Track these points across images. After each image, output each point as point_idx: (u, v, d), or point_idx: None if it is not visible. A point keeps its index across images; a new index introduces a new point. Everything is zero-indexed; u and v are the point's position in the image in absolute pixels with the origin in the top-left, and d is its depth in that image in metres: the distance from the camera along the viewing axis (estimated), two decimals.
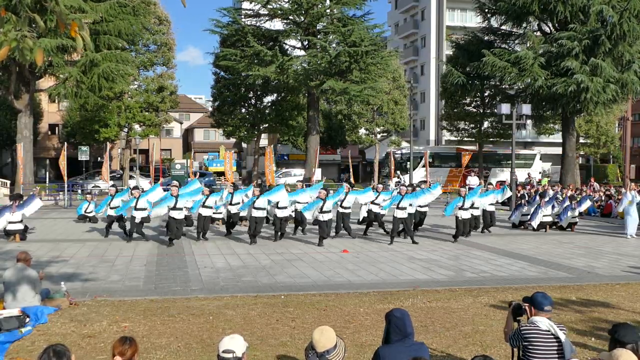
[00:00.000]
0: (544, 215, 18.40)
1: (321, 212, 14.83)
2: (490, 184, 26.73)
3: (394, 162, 33.29)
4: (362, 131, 49.57)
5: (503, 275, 11.20)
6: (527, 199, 20.40)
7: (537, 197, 19.09)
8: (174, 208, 14.40)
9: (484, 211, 17.23)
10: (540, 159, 43.40)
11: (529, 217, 18.83)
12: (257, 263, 12.18)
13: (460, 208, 15.59)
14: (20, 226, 15.22)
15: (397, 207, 15.11)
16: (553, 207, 18.79)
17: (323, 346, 3.90)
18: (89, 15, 22.48)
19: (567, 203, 18.85)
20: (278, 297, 9.05)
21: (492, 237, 16.61)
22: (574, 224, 18.97)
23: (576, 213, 18.81)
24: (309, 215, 15.40)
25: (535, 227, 18.27)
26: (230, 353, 3.71)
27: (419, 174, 35.60)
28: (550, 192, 19.79)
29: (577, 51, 29.34)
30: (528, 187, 26.35)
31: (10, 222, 15.09)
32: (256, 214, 14.94)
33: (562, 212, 18.60)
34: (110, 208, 15.92)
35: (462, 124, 40.94)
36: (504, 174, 37.63)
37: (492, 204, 17.62)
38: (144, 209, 14.95)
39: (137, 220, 14.90)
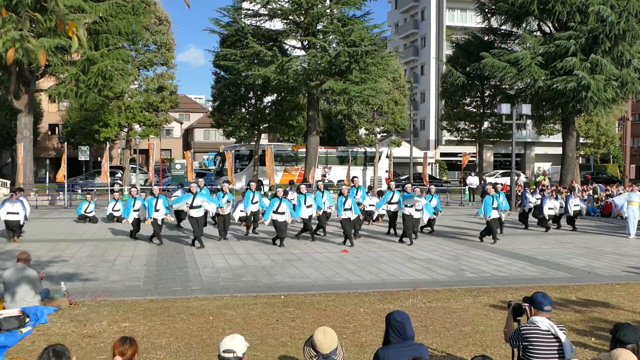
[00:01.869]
0: (549, 208, 18.43)
1: (345, 209, 14.84)
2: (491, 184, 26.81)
3: (228, 160, 31.81)
4: (362, 131, 49.54)
5: (503, 275, 11.20)
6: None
7: (538, 192, 19.61)
8: (192, 207, 14.41)
9: None
10: (387, 157, 41.95)
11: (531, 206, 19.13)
12: (257, 263, 12.18)
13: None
14: (19, 217, 15.12)
15: (407, 206, 15.12)
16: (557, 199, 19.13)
17: (329, 347, 3.89)
18: (89, 15, 22.51)
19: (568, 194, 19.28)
20: (278, 297, 9.05)
21: (492, 237, 16.59)
22: (577, 216, 19.12)
23: (577, 201, 18.99)
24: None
25: (546, 216, 18.40)
26: (231, 353, 3.71)
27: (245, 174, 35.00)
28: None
29: (574, 50, 29.35)
30: (528, 189, 26.39)
31: (9, 212, 15.07)
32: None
33: (565, 203, 18.89)
34: (134, 210, 15.82)
35: (462, 124, 40.94)
36: (344, 172, 36.89)
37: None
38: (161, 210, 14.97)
39: (159, 222, 14.85)
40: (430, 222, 17.57)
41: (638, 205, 17.19)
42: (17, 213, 15.08)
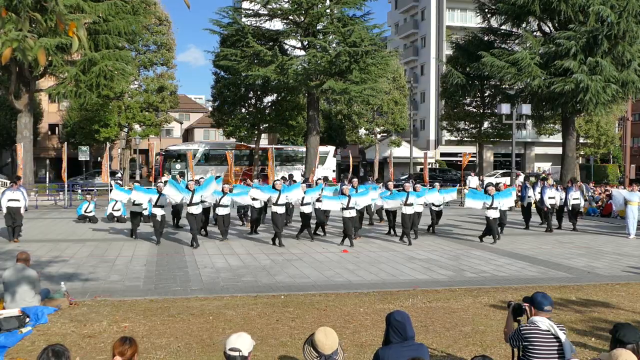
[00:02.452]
0: (549, 197, 18.44)
1: (346, 208, 14.74)
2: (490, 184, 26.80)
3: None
4: (362, 131, 49.53)
5: (503, 275, 11.19)
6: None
7: (539, 182, 19.74)
8: (190, 204, 14.44)
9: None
10: (334, 156, 41.27)
11: (535, 198, 19.20)
12: (257, 263, 12.18)
13: (489, 207, 15.51)
14: (20, 204, 15.21)
15: (405, 204, 15.10)
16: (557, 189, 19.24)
17: (330, 348, 3.88)
18: (89, 15, 22.51)
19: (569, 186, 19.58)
20: (278, 297, 9.05)
21: (492, 237, 16.59)
22: (578, 212, 19.21)
23: (577, 194, 19.06)
24: (331, 206, 15.29)
25: (548, 206, 18.43)
26: (237, 352, 3.71)
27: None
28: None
29: (574, 51, 29.34)
30: (527, 182, 26.45)
31: (10, 200, 15.17)
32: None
33: (565, 195, 18.99)
34: (134, 205, 15.80)
35: (462, 124, 40.92)
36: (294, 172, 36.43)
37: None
38: (163, 207, 15.02)
39: (158, 218, 14.86)
40: (433, 224, 17.61)
41: (637, 205, 17.20)
42: (18, 200, 15.24)
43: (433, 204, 17.17)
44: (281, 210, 14.77)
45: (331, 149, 41.66)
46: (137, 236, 15.80)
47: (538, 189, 19.26)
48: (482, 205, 15.60)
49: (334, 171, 39.61)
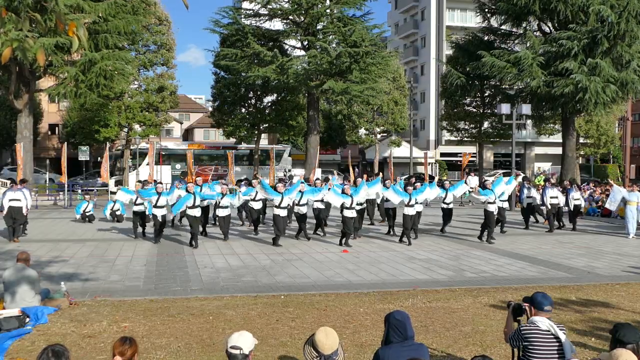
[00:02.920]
0: (551, 197, 18.43)
1: (348, 208, 14.72)
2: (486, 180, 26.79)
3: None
4: (362, 131, 49.54)
5: (503, 275, 11.19)
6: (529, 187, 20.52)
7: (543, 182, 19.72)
8: (193, 206, 14.46)
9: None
10: (290, 156, 40.85)
11: (536, 200, 19.09)
12: (257, 263, 12.18)
13: (491, 202, 15.53)
14: (21, 204, 15.21)
15: (407, 205, 15.09)
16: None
17: (330, 348, 3.88)
18: (88, 15, 22.50)
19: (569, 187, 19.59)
20: (278, 297, 9.05)
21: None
22: (579, 212, 19.20)
23: (578, 195, 19.14)
24: (332, 200, 15.21)
25: (548, 206, 18.40)
26: (238, 350, 3.72)
27: (144, 172, 33.55)
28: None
29: (576, 51, 29.34)
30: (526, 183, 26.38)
31: (12, 199, 15.18)
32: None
33: (566, 196, 19.01)
34: (136, 204, 15.79)
35: (462, 124, 40.91)
36: (242, 174, 35.98)
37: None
38: (163, 207, 15.05)
39: (159, 219, 14.89)
40: (445, 221, 17.63)
41: (636, 205, 17.21)
42: (19, 200, 15.23)
43: (444, 202, 17.17)
44: (283, 213, 14.75)
45: (287, 147, 41.56)
46: (138, 236, 15.80)
47: (539, 190, 19.27)
48: (485, 199, 15.66)
49: (289, 170, 39.24)
